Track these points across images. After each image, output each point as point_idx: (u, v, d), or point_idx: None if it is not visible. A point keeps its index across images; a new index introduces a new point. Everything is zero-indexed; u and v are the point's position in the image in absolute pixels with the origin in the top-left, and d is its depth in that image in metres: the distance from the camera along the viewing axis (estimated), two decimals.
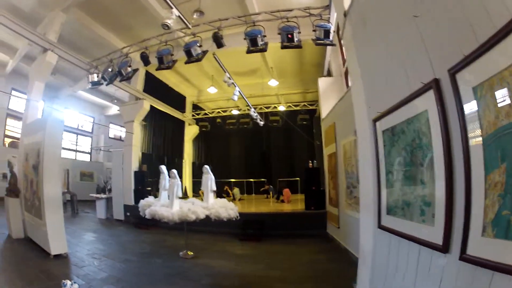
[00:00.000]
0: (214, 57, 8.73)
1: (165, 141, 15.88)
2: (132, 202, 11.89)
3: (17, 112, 16.79)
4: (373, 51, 3.12)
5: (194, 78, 15.57)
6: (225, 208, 7.50)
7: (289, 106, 16.91)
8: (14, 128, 17.00)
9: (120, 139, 23.21)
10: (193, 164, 18.67)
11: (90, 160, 21.42)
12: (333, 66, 10.22)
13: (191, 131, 18.60)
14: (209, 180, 8.26)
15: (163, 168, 8.60)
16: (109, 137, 22.88)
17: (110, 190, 14.73)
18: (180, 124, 17.67)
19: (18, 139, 16.28)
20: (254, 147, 19.64)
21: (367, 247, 3.30)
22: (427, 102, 2.11)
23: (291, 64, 13.65)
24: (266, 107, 16.98)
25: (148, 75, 13.47)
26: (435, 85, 1.99)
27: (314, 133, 17.09)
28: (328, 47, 9.18)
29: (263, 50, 6.92)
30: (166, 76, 14.75)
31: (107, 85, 9.31)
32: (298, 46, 6.62)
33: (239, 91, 11.01)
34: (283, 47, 6.65)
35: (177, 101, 16.49)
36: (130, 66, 8.55)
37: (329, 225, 9.00)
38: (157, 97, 13.88)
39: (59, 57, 9.19)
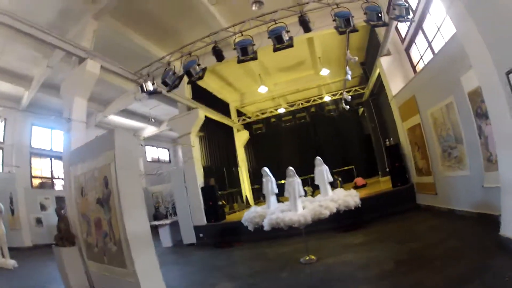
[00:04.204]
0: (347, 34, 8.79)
1: (220, 151, 16.98)
2: (204, 222, 12.36)
3: (40, 149, 17.26)
4: (491, 18, 4.60)
5: (237, 81, 16.78)
6: (351, 196, 8.05)
7: (341, 93, 18.18)
8: (40, 167, 17.28)
9: (158, 160, 24.87)
10: (249, 170, 19.94)
11: None
12: (389, 44, 11.42)
13: (241, 137, 20.02)
14: (324, 171, 8.79)
15: (267, 170, 9.18)
16: (148, 161, 23.89)
17: (171, 214, 15.94)
18: (230, 131, 19.06)
19: (47, 178, 17.47)
20: (305, 143, 20.81)
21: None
22: None
23: (335, 52, 14.75)
24: (319, 98, 18.62)
25: (192, 84, 13.92)
26: None
27: (366, 116, 18.39)
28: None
29: (355, 30, 7.53)
30: (208, 83, 15.70)
31: (169, 90, 9.25)
32: (355, 30, 7.51)
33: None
34: (340, 33, 7.52)
35: (222, 108, 17.64)
36: (199, 64, 8.39)
37: (420, 196, 10.43)
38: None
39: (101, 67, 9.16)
